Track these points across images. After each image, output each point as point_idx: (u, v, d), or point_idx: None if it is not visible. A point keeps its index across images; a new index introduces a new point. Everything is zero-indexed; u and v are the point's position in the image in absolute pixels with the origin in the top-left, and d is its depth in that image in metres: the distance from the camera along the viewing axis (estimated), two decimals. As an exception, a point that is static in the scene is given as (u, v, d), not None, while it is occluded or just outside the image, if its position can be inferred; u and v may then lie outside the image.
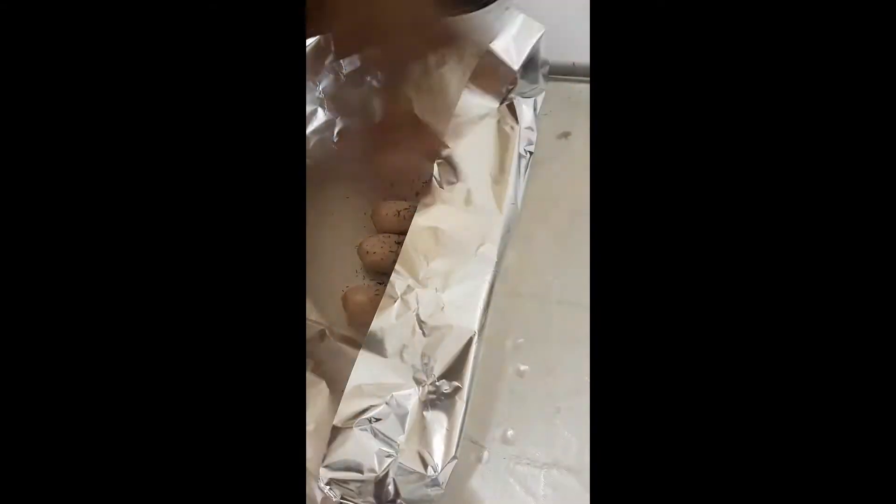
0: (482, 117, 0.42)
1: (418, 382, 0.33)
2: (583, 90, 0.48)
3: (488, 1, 0.54)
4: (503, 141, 0.41)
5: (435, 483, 0.31)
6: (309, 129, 0.45)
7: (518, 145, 0.41)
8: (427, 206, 0.38)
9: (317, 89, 0.45)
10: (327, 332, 0.39)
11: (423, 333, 0.34)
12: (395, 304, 0.34)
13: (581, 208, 0.41)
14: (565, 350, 0.37)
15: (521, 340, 0.38)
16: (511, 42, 0.42)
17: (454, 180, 0.39)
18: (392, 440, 0.31)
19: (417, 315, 0.34)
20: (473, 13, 0.54)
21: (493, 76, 0.42)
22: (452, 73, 0.49)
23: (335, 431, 0.31)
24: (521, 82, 0.43)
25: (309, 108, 0.45)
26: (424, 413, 0.32)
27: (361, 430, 0.31)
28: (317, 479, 0.30)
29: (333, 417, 0.31)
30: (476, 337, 0.34)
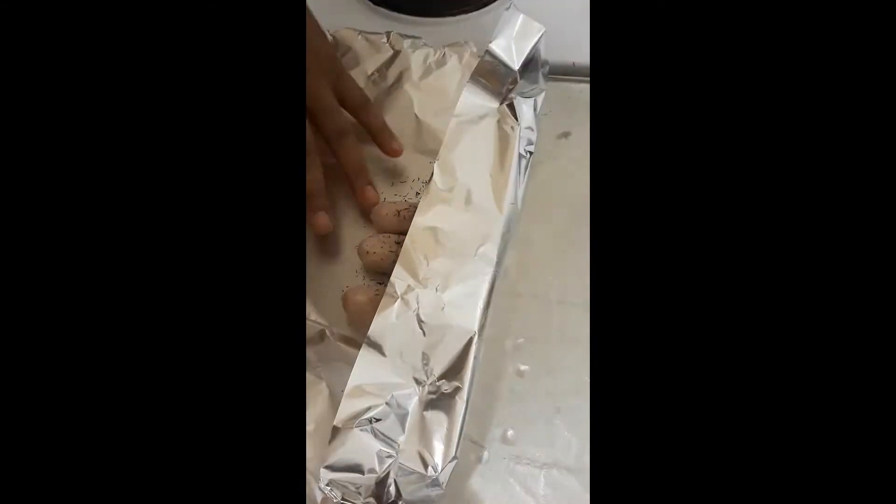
0: (482, 117, 0.42)
1: (418, 382, 0.33)
2: (583, 90, 0.48)
3: (488, 1, 0.54)
4: (503, 141, 0.41)
5: (435, 483, 0.31)
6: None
7: (518, 145, 0.41)
8: (427, 206, 0.38)
9: None
10: (327, 332, 0.39)
11: (423, 333, 0.34)
12: (396, 304, 0.34)
13: (581, 208, 0.41)
14: (565, 350, 0.37)
15: (521, 340, 0.38)
16: (511, 42, 0.42)
17: (454, 180, 0.39)
18: (392, 440, 0.31)
19: (418, 315, 0.34)
20: (473, 13, 0.54)
21: (493, 76, 0.42)
22: (452, 73, 0.49)
23: (335, 432, 0.31)
24: (521, 82, 0.43)
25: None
26: (424, 413, 0.32)
27: (362, 430, 0.31)
28: (317, 479, 0.30)
29: (333, 417, 0.31)
30: (476, 337, 0.34)
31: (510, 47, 0.42)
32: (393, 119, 0.47)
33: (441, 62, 0.49)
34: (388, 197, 0.44)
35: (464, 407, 0.32)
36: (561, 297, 0.39)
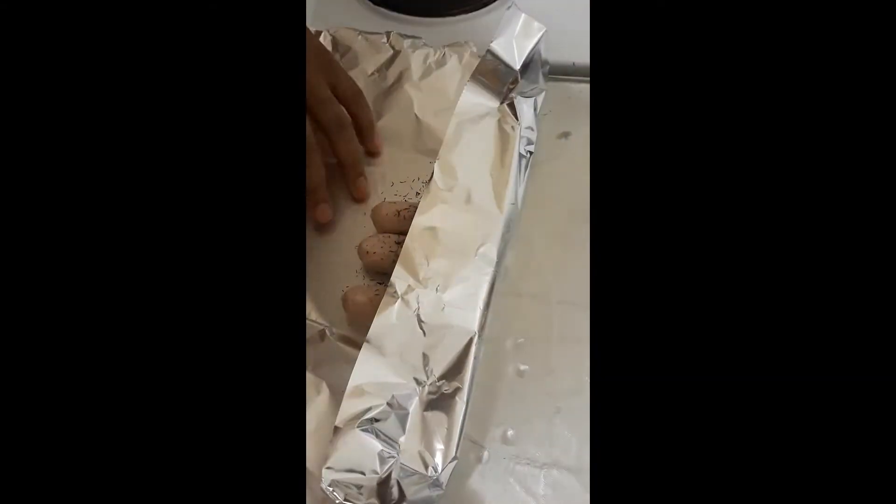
0: (482, 117, 0.42)
1: (419, 383, 0.33)
2: (583, 90, 0.48)
3: (488, 1, 0.54)
4: (503, 140, 0.41)
5: (436, 483, 0.31)
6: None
7: (518, 145, 0.41)
8: (427, 205, 0.38)
9: None
10: (327, 332, 0.39)
11: (424, 333, 0.34)
12: (396, 304, 0.34)
13: (581, 208, 0.41)
14: (565, 350, 0.37)
15: (521, 340, 0.38)
16: (512, 41, 0.42)
17: (454, 180, 0.39)
18: (393, 441, 0.31)
19: (418, 315, 0.34)
20: (473, 13, 0.54)
21: (493, 75, 0.42)
22: (452, 73, 0.49)
23: (337, 432, 0.31)
24: (521, 82, 0.43)
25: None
26: (425, 413, 0.32)
27: (363, 430, 0.31)
28: (319, 480, 0.30)
29: (333, 418, 0.31)
30: (476, 337, 0.34)
31: (511, 47, 0.42)
32: (393, 119, 0.47)
33: (441, 62, 0.49)
34: (388, 197, 0.44)
35: (464, 407, 0.32)
36: (561, 297, 0.39)
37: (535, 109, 0.44)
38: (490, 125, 0.42)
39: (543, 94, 0.45)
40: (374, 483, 0.30)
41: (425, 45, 0.50)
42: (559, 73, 0.48)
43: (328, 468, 0.30)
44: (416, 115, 0.47)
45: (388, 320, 0.34)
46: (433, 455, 0.31)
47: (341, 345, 0.38)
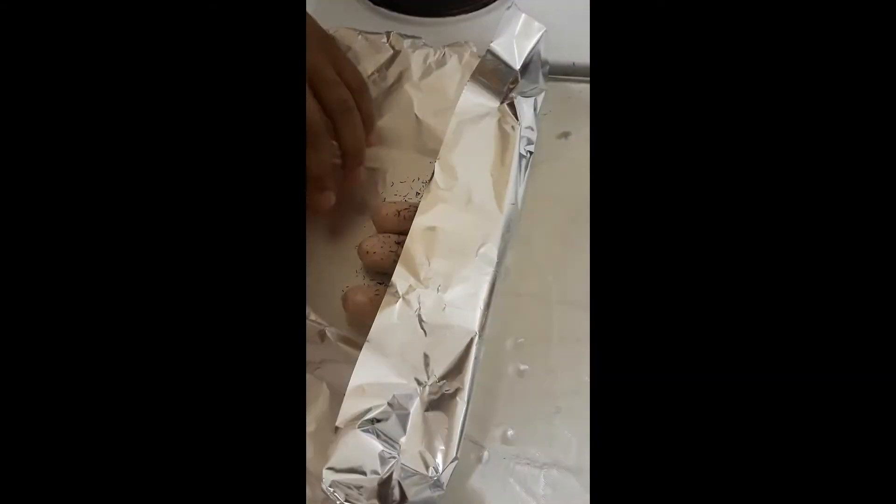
0: (482, 116, 0.42)
1: (419, 383, 0.33)
2: (583, 90, 0.48)
3: (488, 1, 0.54)
4: (503, 140, 0.41)
5: (437, 484, 0.31)
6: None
7: (518, 145, 0.41)
8: (428, 205, 0.38)
9: None
10: (327, 332, 0.39)
11: (425, 333, 0.34)
12: (397, 304, 0.34)
13: (581, 208, 0.41)
14: (565, 350, 0.37)
15: (521, 340, 0.38)
16: (513, 41, 0.42)
17: (454, 180, 0.39)
18: (394, 441, 0.31)
19: (419, 315, 0.34)
20: (473, 13, 0.54)
21: (494, 75, 0.42)
22: (452, 73, 0.49)
23: (338, 432, 0.31)
24: (521, 81, 0.43)
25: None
26: (426, 414, 0.32)
27: (364, 430, 0.31)
28: (318, 480, 0.30)
29: (334, 418, 0.31)
30: (477, 337, 0.34)
31: (511, 47, 0.42)
32: (393, 119, 0.47)
33: (441, 62, 0.49)
34: (388, 197, 0.44)
35: (464, 408, 0.32)
36: (561, 297, 0.39)
37: (535, 109, 0.44)
38: (490, 125, 0.42)
39: (543, 93, 0.45)
40: (375, 483, 0.30)
41: (425, 45, 0.50)
42: (559, 72, 0.48)
43: (329, 469, 0.30)
44: (416, 115, 0.47)
45: (390, 320, 0.34)
46: (434, 455, 0.31)
47: (341, 345, 0.38)
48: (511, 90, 0.42)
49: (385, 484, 0.30)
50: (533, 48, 0.43)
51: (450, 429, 0.31)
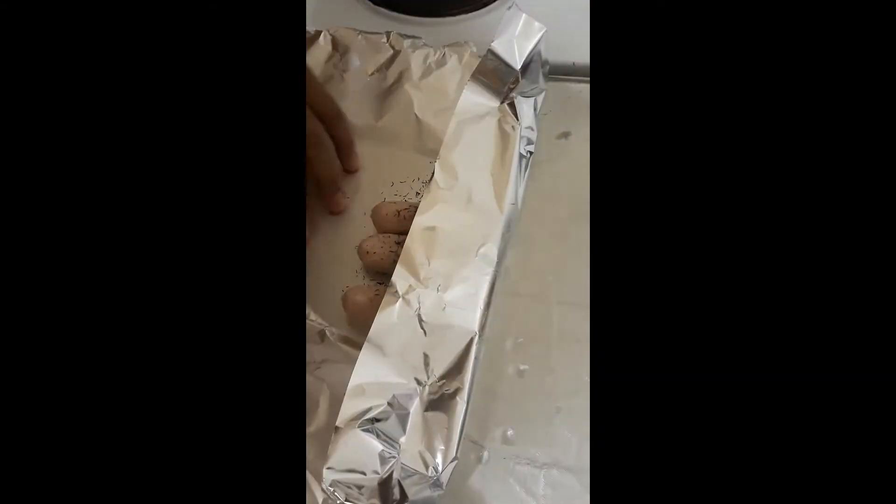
0: (483, 116, 0.42)
1: (419, 383, 0.33)
2: (583, 90, 0.48)
3: (488, 1, 0.54)
4: (504, 140, 0.41)
5: (436, 483, 0.31)
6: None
7: (518, 145, 0.41)
8: (428, 205, 0.38)
9: None
10: (327, 332, 0.39)
11: (425, 333, 0.34)
12: (397, 304, 0.34)
13: (581, 208, 0.41)
14: (565, 350, 0.37)
15: (521, 340, 0.38)
16: (513, 41, 0.42)
17: (454, 180, 0.39)
18: (394, 441, 0.31)
19: (419, 315, 0.34)
20: (473, 13, 0.54)
21: (494, 75, 0.42)
22: (452, 73, 0.49)
23: (338, 432, 0.31)
24: (522, 81, 0.43)
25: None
26: (426, 414, 0.32)
27: (364, 430, 0.31)
28: (319, 480, 0.30)
29: (334, 418, 0.31)
30: (477, 337, 0.34)
31: (512, 46, 0.42)
32: (393, 119, 0.47)
33: (441, 62, 0.49)
34: (388, 197, 0.44)
35: (464, 408, 0.32)
36: (561, 297, 0.39)
37: (535, 109, 0.44)
38: (490, 125, 0.42)
39: (544, 93, 0.45)
40: (375, 483, 0.30)
41: (425, 44, 0.50)
42: (559, 73, 0.48)
43: (329, 468, 0.30)
44: (416, 114, 0.47)
45: (389, 320, 0.34)
46: (434, 455, 0.31)
47: (341, 345, 0.38)
48: (511, 90, 0.42)
49: (385, 483, 0.30)
50: (533, 48, 0.43)
51: (449, 429, 0.31)
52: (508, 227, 0.39)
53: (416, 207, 0.38)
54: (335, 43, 0.51)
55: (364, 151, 0.46)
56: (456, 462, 0.31)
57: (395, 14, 0.54)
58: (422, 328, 0.34)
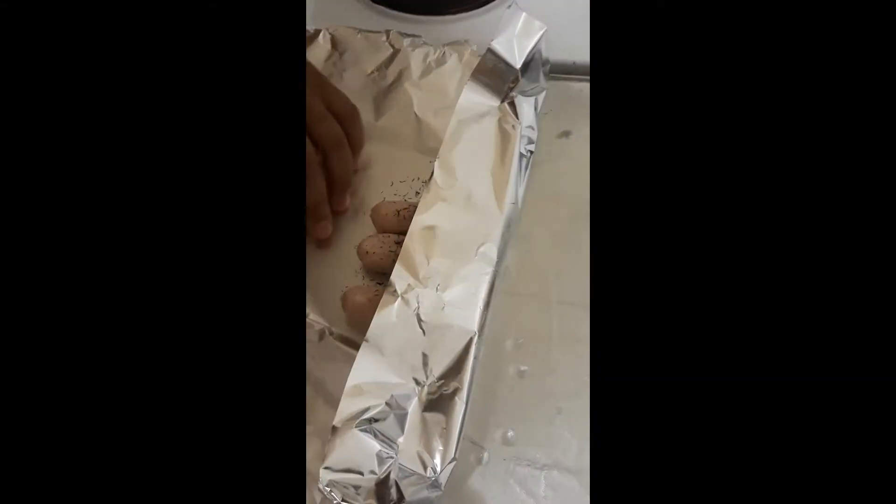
0: (483, 116, 0.42)
1: (418, 383, 0.32)
2: (583, 90, 0.48)
3: (487, 0, 0.54)
4: (504, 140, 0.41)
5: (434, 484, 0.30)
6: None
7: (519, 144, 0.41)
8: (427, 205, 0.38)
9: None
10: (327, 332, 0.38)
11: (423, 333, 0.34)
12: (396, 303, 0.34)
13: (581, 208, 0.41)
14: (565, 350, 0.37)
15: (521, 340, 0.38)
16: (513, 40, 0.42)
17: (454, 179, 0.39)
18: (392, 441, 0.31)
19: (418, 314, 0.34)
20: (472, 12, 0.54)
21: (494, 74, 0.42)
22: (452, 72, 0.49)
23: (335, 431, 0.31)
24: (522, 80, 0.42)
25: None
26: (424, 414, 0.32)
27: (361, 430, 0.31)
28: (317, 480, 0.30)
29: (332, 418, 0.31)
30: (476, 337, 0.34)
31: (512, 45, 0.42)
32: (393, 118, 0.47)
33: (441, 61, 0.49)
34: (387, 197, 0.44)
35: (463, 408, 0.32)
36: (561, 297, 0.39)
37: (535, 108, 0.44)
38: (490, 124, 0.42)
39: (544, 93, 0.45)
40: (373, 483, 0.30)
41: (425, 43, 0.50)
42: (560, 71, 0.48)
43: (326, 468, 0.30)
44: (415, 114, 0.47)
45: (388, 319, 0.34)
46: (432, 456, 0.31)
47: (341, 345, 0.38)
48: (511, 89, 0.42)
49: (382, 484, 0.30)
50: (533, 47, 0.43)
51: (448, 429, 0.31)
52: (508, 227, 0.39)
53: (416, 207, 0.38)
54: (334, 42, 0.51)
55: (364, 151, 0.46)
56: (455, 463, 0.31)
57: (394, 13, 0.54)
58: (421, 328, 0.34)
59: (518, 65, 0.42)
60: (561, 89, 0.48)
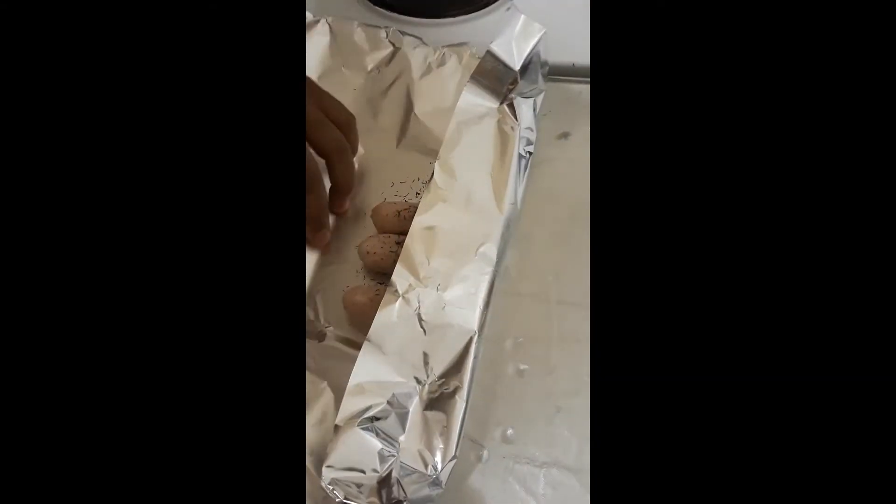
0: (482, 117, 0.42)
1: (419, 382, 0.33)
2: (582, 90, 0.49)
3: (487, 2, 0.55)
4: (503, 141, 0.41)
5: (435, 482, 0.31)
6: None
7: (518, 145, 0.41)
8: (427, 205, 0.38)
9: None
10: (327, 332, 0.39)
11: (424, 332, 0.34)
12: (397, 303, 0.34)
13: (581, 208, 0.41)
14: (565, 350, 0.38)
15: (521, 340, 0.38)
16: (512, 42, 0.42)
17: (454, 180, 0.39)
18: (393, 439, 0.31)
19: (419, 314, 0.34)
20: (472, 14, 0.54)
21: (493, 76, 0.42)
22: (452, 74, 0.49)
23: (337, 430, 0.31)
24: (521, 82, 0.43)
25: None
26: (425, 412, 0.32)
27: (363, 429, 0.31)
28: (319, 479, 0.30)
29: (333, 417, 0.31)
30: (476, 336, 0.34)
31: (511, 47, 0.42)
32: (392, 118, 0.47)
33: (441, 62, 0.49)
34: (388, 197, 0.44)
35: (464, 406, 0.32)
36: (561, 297, 0.39)
37: (534, 110, 0.44)
38: (490, 125, 0.42)
39: (543, 94, 0.45)
40: (374, 482, 0.30)
41: (425, 44, 0.50)
42: (559, 73, 0.48)
43: (328, 467, 0.30)
44: (415, 114, 0.47)
45: (389, 319, 0.34)
46: (433, 454, 0.31)
47: (341, 345, 0.38)
48: (510, 91, 0.43)
49: (384, 482, 0.30)
50: (532, 49, 0.43)
51: (449, 427, 0.32)
52: (508, 227, 0.39)
53: (416, 207, 0.38)
54: (333, 32, 0.51)
55: (364, 151, 0.46)
56: (455, 461, 0.31)
57: (394, 15, 0.54)
58: (421, 327, 0.34)
59: (517, 67, 0.42)
60: (560, 91, 0.48)
